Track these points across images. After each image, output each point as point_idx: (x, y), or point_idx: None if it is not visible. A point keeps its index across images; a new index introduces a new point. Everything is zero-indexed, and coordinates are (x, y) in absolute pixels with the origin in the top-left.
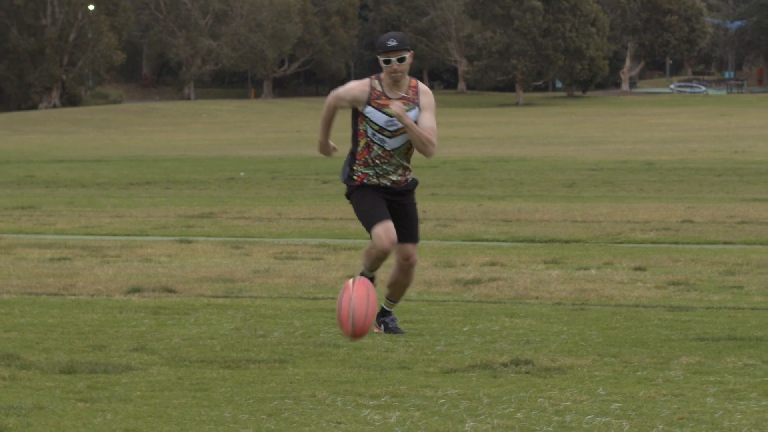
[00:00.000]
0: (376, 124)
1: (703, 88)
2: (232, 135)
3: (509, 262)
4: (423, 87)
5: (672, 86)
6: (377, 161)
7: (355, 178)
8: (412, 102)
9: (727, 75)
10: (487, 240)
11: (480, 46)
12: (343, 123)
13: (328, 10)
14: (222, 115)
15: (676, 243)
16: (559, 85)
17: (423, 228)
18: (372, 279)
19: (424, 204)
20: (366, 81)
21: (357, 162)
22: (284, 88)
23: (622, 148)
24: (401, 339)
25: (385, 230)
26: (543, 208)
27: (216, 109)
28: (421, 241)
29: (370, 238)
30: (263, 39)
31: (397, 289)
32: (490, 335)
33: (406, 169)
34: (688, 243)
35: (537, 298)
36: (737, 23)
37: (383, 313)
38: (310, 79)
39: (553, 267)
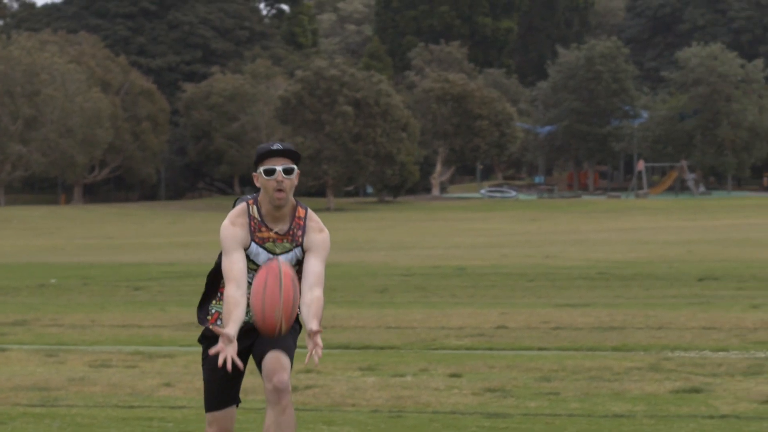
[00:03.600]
0: (256, 264)
1: (514, 193)
2: (42, 241)
3: (324, 369)
4: (314, 222)
5: (483, 191)
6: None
7: (208, 317)
8: (296, 240)
9: (537, 180)
10: (302, 347)
11: None
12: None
13: (139, 116)
14: (32, 221)
15: (491, 349)
16: (370, 190)
17: None
18: None
19: None
20: (242, 208)
21: (218, 295)
22: (94, 194)
23: (434, 253)
24: None
25: (226, 416)
26: (357, 314)
27: (26, 215)
28: None
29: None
30: (74, 144)
31: None
32: None
33: None
34: (503, 349)
35: (353, 405)
36: (547, 128)
37: None
38: (120, 185)
39: (369, 374)
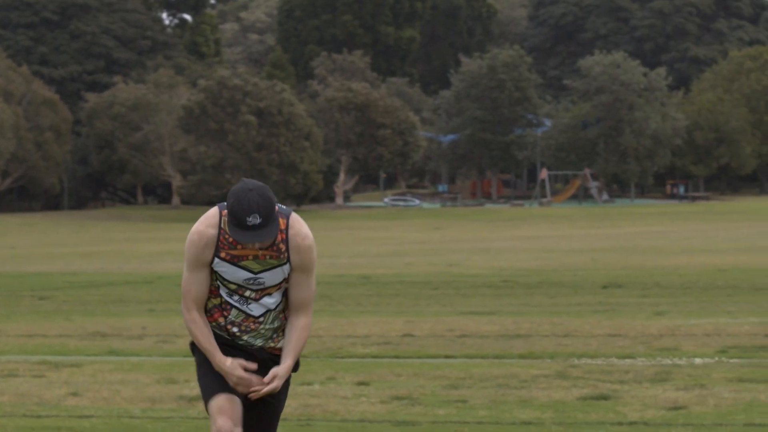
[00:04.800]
0: (233, 283)
1: (417, 202)
2: None
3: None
4: (298, 235)
5: (386, 200)
6: (235, 330)
7: None
8: (281, 254)
9: (440, 188)
10: None
11: (194, 161)
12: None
13: (41, 126)
14: None
15: (397, 357)
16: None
17: (142, 345)
18: None
19: (142, 320)
20: (211, 217)
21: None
22: None
23: (338, 262)
24: None
25: (230, 403)
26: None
27: None
28: (141, 357)
29: (208, 414)
30: None
31: None
32: None
33: (281, 331)
34: (410, 357)
35: None
36: (450, 137)
37: None
38: (23, 195)
39: None
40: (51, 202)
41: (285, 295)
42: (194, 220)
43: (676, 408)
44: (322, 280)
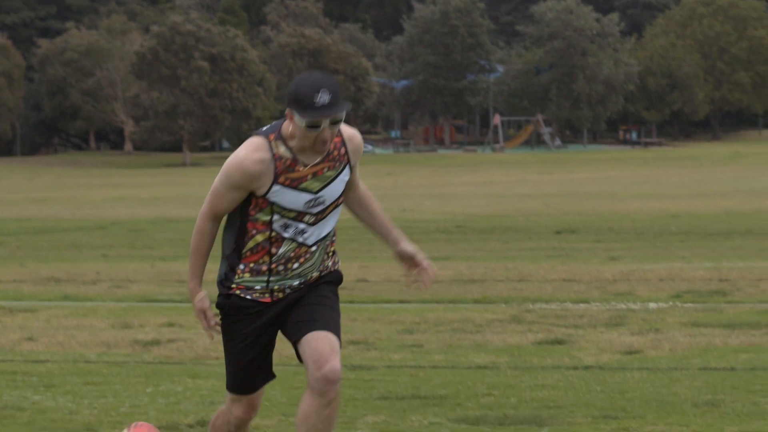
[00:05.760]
0: (292, 210)
1: (370, 147)
2: None
3: (187, 323)
4: (349, 130)
5: None
6: (284, 267)
7: (232, 285)
8: (339, 160)
9: (393, 134)
10: (162, 301)
11: (146, 107)
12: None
13: None
14: None
15: (352, 302)
16: (226, 145)
17: (96, 290)
18: None
19: (96, 265)
20: (261, 144)
21: (241, 266)
22: None
23: None
24: (85, 401)
25: (249, 401)
26: (215, 268)
27: None
28: (96, 302)
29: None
30: None
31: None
32: (174, 396)
33: (328, 258)
34: (365, 302)
35: (217, 359)
36: (403, 83)
37: None
38: None
39: None
40: (3, 148)
41: (335, 223)
42: (147, 165)
43: (631, 352)
44: None
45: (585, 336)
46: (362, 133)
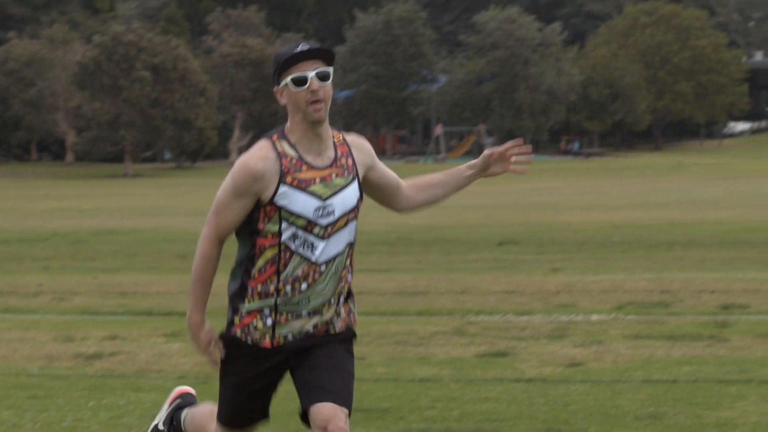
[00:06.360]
0: (301, 217)
1: None
2: None
3: (129, 335)
4: (352, 137)
5: None
6: (291, 287)
7: (235, 321)
8: (347, 170)
9: None
10: (105, 313)
11: (89, 117)
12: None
13: None
14: None
15: None
16: (168, 155)
17: (38, 302)
18: None
19: (38, 277)
20: (264, 144)
21: (250, 290)
22: None
23: None
24: (28, 415)
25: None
26: (159, 281)
27: None
28: (38, 315)
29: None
30: None
31: None
32: (117, 410)
33: (336, 304)
34: None
35: (159, 371)
36: (345, 92)
37: None
38: None
39: (174, 340)
40: None
41: (351, 243)
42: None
43: (574, 364)
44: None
45: (528, 348)
46: None
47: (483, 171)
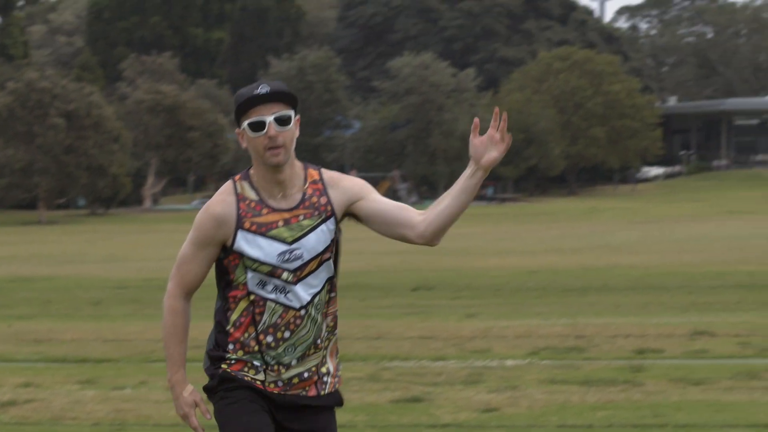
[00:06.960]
0: (265, 263)
1: None
2: None
3: (44, 382)
4: (331, 175)
5: (195, 202)
6: (273, 337)
7: (223, 365)
8: (318, 209)
9: None
10: (19, 360)
11: (2, 164)
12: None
13: None
14: None
15: None
16: (82, 202)
17: None
18: None
19: None
20: (226, 186)
21: (231, 346)
22: None
23: (147, 265)
24: None
25: None
26: (73, 327)
27: None
28: None
29: None
30: None
31: None
32: None
33: (324, 348)
34: None
35: (74, 419)
36: None
37: None
38: None
39: (88, 387)
40: None
41: (331, 279)
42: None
43: (489, 410)
44: (132, 284)
45: (443, 394)
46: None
47: (478, 162)
